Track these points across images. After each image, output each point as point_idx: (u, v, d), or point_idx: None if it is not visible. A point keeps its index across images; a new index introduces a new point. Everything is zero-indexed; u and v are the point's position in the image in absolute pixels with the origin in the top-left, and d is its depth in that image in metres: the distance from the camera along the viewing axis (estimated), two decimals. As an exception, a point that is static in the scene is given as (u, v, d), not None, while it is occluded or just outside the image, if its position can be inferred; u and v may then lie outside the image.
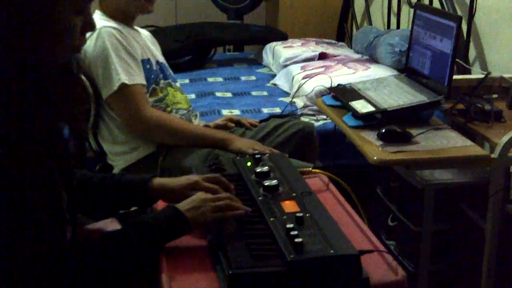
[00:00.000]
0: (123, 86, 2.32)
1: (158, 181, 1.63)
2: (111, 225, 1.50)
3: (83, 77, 2.30)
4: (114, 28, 2.37)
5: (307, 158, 2.48)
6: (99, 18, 2.41)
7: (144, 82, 2.40)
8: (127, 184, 1.63)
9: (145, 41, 2.58)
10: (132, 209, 1.61)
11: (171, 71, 2.66)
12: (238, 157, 1.87)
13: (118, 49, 2.34)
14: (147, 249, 1.40)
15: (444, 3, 3.37)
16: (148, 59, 2.49)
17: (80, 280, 1.29)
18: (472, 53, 3.33)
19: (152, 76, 2.46)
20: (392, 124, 2.30)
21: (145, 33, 2.67)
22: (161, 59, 2.62)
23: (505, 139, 2.19)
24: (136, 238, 1.37)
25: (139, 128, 2.38)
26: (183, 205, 1.47)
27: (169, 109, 2.48)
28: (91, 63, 2.34)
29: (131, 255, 1.37)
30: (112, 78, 2.32)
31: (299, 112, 3.18)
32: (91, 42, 2.32)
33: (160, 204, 1.63)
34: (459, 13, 3.29)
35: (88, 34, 1.39)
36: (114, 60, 2.32)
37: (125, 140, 2.43)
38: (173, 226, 1.43)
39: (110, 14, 2.44)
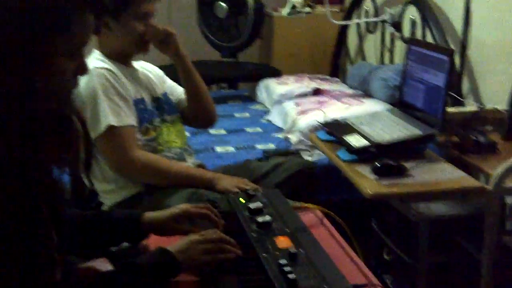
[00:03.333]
0: (110, 128, 2.32)
1: (148, 215, 1.65)
2: (102, 265, 1.48)
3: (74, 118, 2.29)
4: (106, 69, 2.37)
5: (306, 196, 2.45)
6: (96, 58, 2.42)
7: (134, 123, 2.39)
8: (118, 221, 1.65)
9: (147, 77, 2.57)
10: (124, 246, 1.61)
11: (172, 101, 2.62)
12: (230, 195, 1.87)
13: (107, 90, 2.34)
14: None
15: (436, 37, 3.40)
16: (142, 99, 2.47)
17: None
18: (465, 86, 3.34)
19: (146, 116, 2.45)
20: (387, 157, 2.30)
21: (148, 68, 2.63)
22: (161, 92, 2.59)
23: (499, 170, 2.19)
24: (128, 281, 1.38)
25: (125, 169, 2.38)
26: (174, 247, 1.47)
27: (161, 147, 2.47)
28: (81, 104, 2.32)
29: None
30: (100, 119, 2.32)
31: (292, 147, 3.17)
32: (82, 84, 2.31)
33: (152, 238, 1.63)
34: (452, 47, 3.31)
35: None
36: (103, 101, 2.32)
37: (114, 178, 2.41)
38: (165, 269, 1.43)
39: (107, 54, 2.44)
